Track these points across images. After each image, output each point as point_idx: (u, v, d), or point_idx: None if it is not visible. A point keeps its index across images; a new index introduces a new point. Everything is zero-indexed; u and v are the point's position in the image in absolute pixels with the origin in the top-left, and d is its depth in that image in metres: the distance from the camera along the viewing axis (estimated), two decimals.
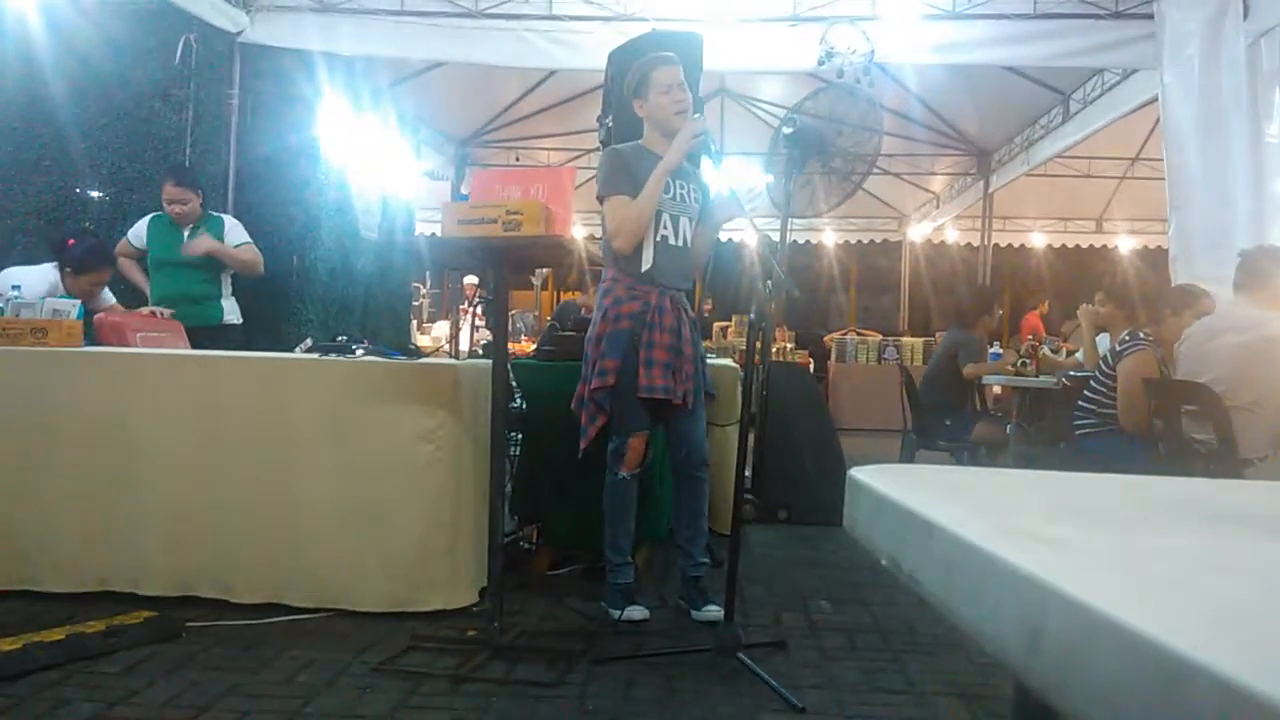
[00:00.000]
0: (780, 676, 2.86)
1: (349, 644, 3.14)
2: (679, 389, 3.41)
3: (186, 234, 4.88)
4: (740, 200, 3.45)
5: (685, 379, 3.44)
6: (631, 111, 3.64)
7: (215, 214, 5.07)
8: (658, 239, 3.47)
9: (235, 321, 4.99)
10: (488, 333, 5.63)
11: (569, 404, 3.58)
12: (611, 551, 3.53)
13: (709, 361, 3.87)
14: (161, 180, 4.99)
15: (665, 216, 3.48)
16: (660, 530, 4.24)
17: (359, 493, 3.44)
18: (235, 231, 4.99)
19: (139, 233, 4.96)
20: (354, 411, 3.47)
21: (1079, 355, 6.56)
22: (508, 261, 3.22)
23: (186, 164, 6.31)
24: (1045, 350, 7.21)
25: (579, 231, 11.20)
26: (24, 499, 3.58)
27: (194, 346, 4.20)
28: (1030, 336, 8.89)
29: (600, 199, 3.53)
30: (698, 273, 3.71)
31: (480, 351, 5.89)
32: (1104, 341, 5.58)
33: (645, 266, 3.46)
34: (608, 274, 3.57)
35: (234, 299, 5.01)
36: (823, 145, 3.66)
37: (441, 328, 10.83)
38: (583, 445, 3.48)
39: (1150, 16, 5.99)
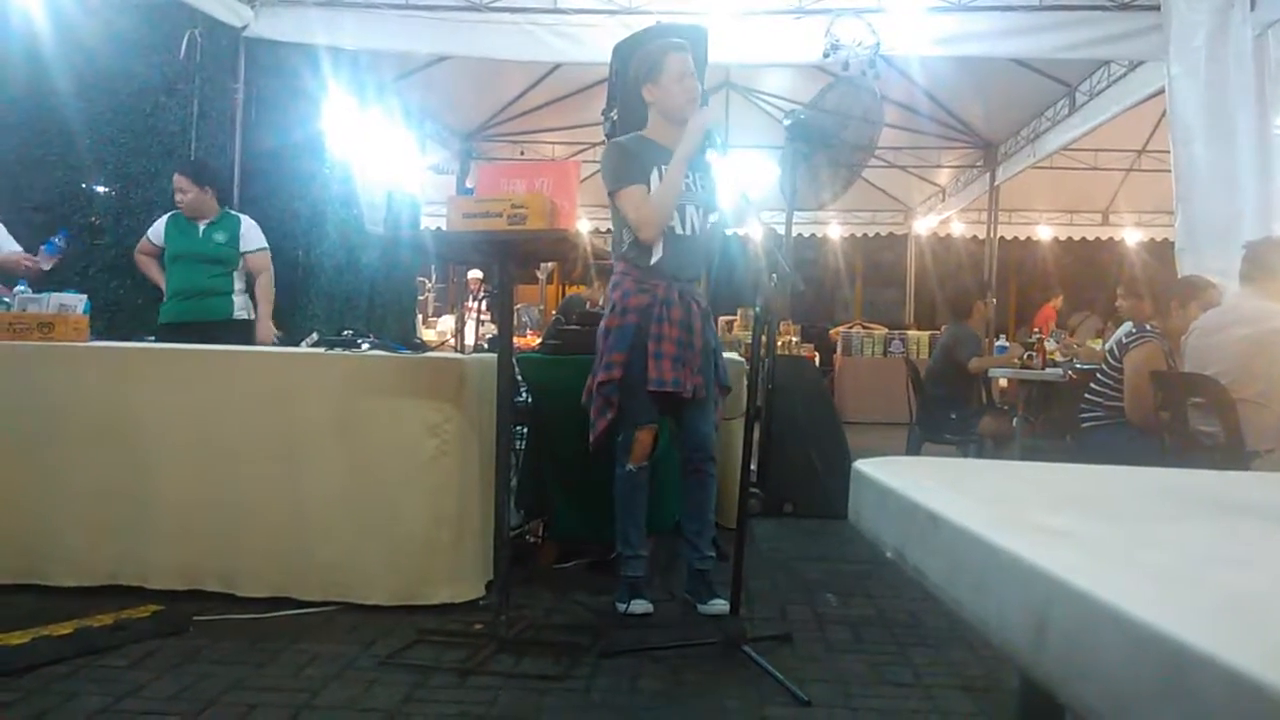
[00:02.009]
0: (786, 669, 2.86)
1: (355, 637, 3.15)
2: (689, 382, 3.41)
3: (203, 229, 4.92)
4: (749, 203, 3.43)
5: (695, 372, 3.43)
6: (637, 104, 3.63)
7: (234, 213, 5.09)
8: (665, 230, 3.46)
9: (247, 317, 5.02)
10: (493, 327, 5.63)
11: (575, 398, 3.58)
12: (622, 544, 3.53)
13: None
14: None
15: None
16: (666, 523, 4.25)
17: (365, 487, 3.44)
18: (250, 235, 5.04)
19: (158, 231, 5.01)
20: (360, 406, 3.47)
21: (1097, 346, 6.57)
22: (513, 255, 3.22)
23: (192, 157, 6.32)
24: (1050, 343, 7.20)
25: (584, 225, 11.20)
26: (32, 494, 3.59)
27: (205, 340, 4.22)
28: (1037, 330, 8.88)
29: (612, 194, 3.48)
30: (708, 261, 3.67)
31: (485, 346, 5.90)
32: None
33: (655, 259, 3.45)
34: (617, 267, 3.55)
35: (246, 295, 5.05)
36: (825, 137, 3.65)
37: (447, 322, 10.83)
38: (592, 439, 3.47)
39: (1157, 8, 5.96)
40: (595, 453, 3.48)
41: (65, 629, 3.04)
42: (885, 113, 9.83)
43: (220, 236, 4.95)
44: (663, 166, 3.41)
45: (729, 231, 3.59)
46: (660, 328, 3.37)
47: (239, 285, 5.03)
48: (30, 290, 4.21)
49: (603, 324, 3.51)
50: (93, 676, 2.75)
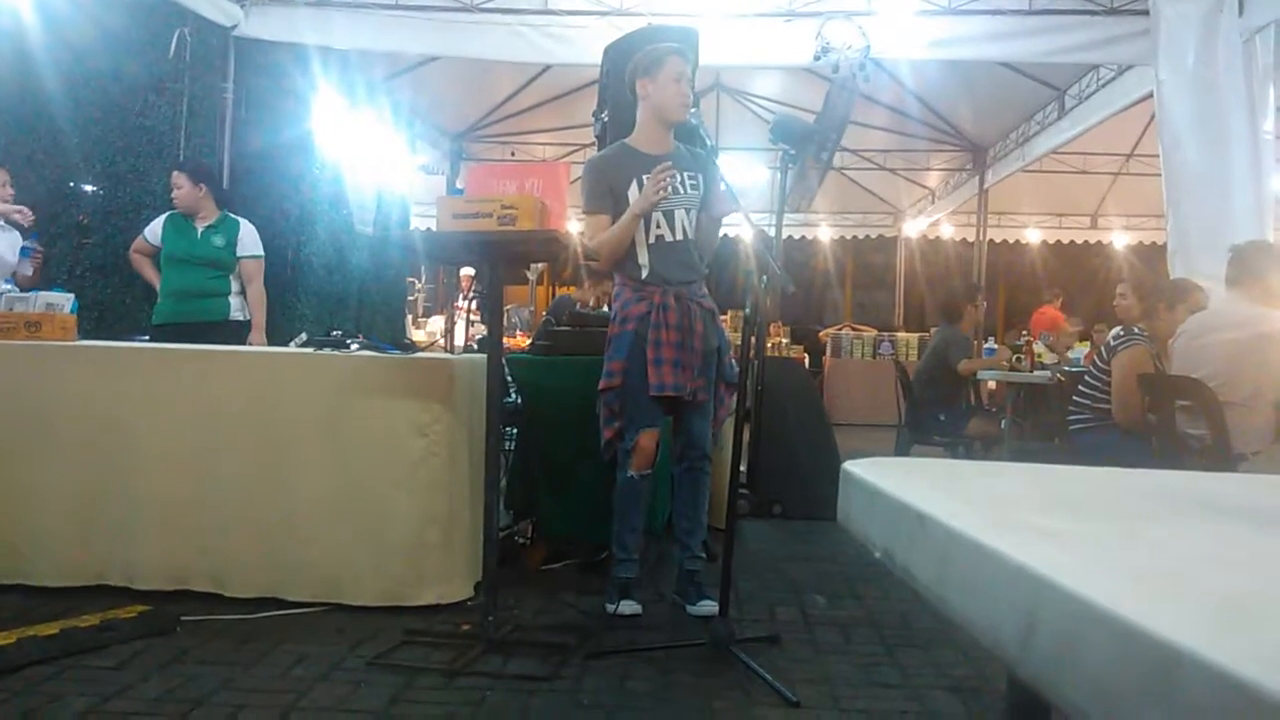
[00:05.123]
0: (774, 670, 2.86)
1: (343, 638, 3.14)
2: (689, 385, 3.42)
3: (201, 231, 4.90)
4: (736, 195, 3.46)
5: (695, 375, 3.45)
6: (628, 106, 3.63)
7: (234, 217, 5.06)
8: (652, 240, 3.49)
9: (242, 318, 5.00)
10: (483, 327, 5.61)
11: (565, 399, 3.59)
12: (617, 547, 3.54)
13: None
14: None
15: (657, 216, 3.47)
16: (656, 525, 4.24)
17: (353, 487, 3.43)
18: (248, 240, 5.01)
19: (155, 230, 4.98)
20: (349, 406, 3.47)
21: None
22: (503, 256, 3.22)
23: (181, 157, 6.30)
24: (1039, 346, 7.22)
25: (574, 226, 11.19)
26: (18, 493, 3.57)
27: (200, 340, 4.21)
28: (1025, 333, 8.90)
29: (584, 213, 3.58)
30: (706, 258, 3.70)
31: (475, 346, 5.89)
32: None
33: (644, 275, 3.48)
34: (617, 278, 3.61)
35: (242, 296, 5.03)
36: (808, 135, 3.65)
37: (437, 322, 10.82)
38: (603, 446, 3.53)
39: (1146, 13, 5.99)
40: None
41: (51, 629, 3.02)
42: (873, 115, 9.87)
43: (219, 240, 4.93)
44: (644, 176, 3.42)
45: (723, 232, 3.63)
46: (658, 333, 3.39)
47: (235, 287, 5.01)
48: (17, 289, 4.19)
49: (607, 333, 3.55)
50: (79, 677, 2.74)
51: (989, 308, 8.69)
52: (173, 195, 4.92)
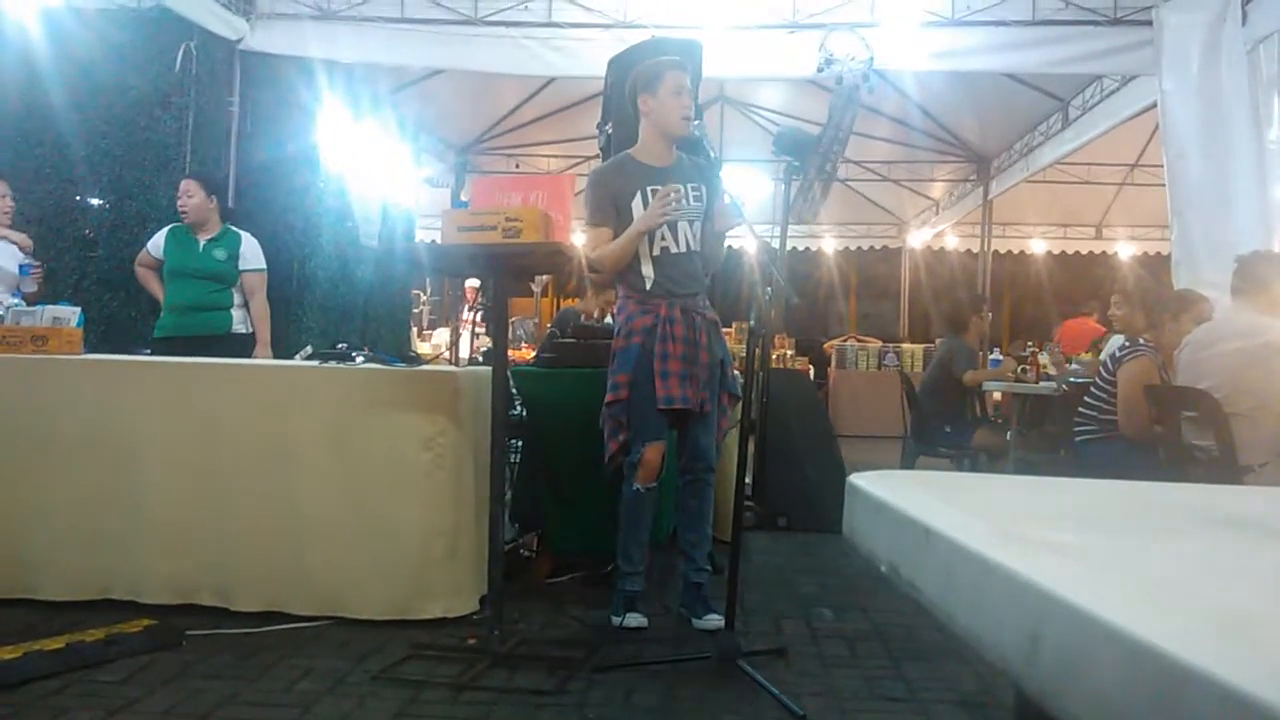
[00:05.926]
0: (781, 684, 2.85)
1: (349, 652, 3.13)
2: (696, 397, 3.42)
3: (203, 245, 4.89)
4: (740, 208, 3.46)
5: (701, 387, 3.45)
6: (632, 118, 3.64)
7: (235, 230, 5.06)
8: (657, 253, 3.48)
9: (244, 331, 4.99)
10: (488, 340, 5.62)
11: (570, 411, 3.59)
12: (622, 560, 3.53)
13: None
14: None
15: (662, 229, 3.47)
16: (661, 537, 4.24)
17: (359, 500, 3.43)
18: (250, 254, 5.00)
19: (157, 243, 4.98)
20: (354, 419, 3.47)
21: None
22: (508, 269, 3.23)
23: (186, 171, 6.31)
24: (1044, 357, 7.21)
25: (578, 238, 11.20)
26: (24, 507, 3.58)
27: (202, 353, 4.20)
28: (1029, 344, 8.87)
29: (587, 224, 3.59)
30: (712, 270, 3.71)
31: (480, 359, 5.89)
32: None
33: (648, 286, 3.48)
34: (620, 290, 3.60)
35: (245, 309, 5.02)
36: (811, 147, 3.66)
37: (442, 335, 10.82)
38: (607, 459, 3.52)
39: (1149, 23, 6.00)
40: (613, 472, 3.52)
41: (57, 643, 3.02)
42: (877, 126, 9.87)
43: (220, 253, 4.92)
44: (648, 188, 3.43)
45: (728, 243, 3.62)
46: (665, 346, 3.39)
47: (238, 300, 5.01)
48: (24, 304, 4.20)
49: (612, 347, 3.55)
50: (84, 691, 2.74)
51: (994, 319, 8.68)
52: (181, 203, 4.90)
